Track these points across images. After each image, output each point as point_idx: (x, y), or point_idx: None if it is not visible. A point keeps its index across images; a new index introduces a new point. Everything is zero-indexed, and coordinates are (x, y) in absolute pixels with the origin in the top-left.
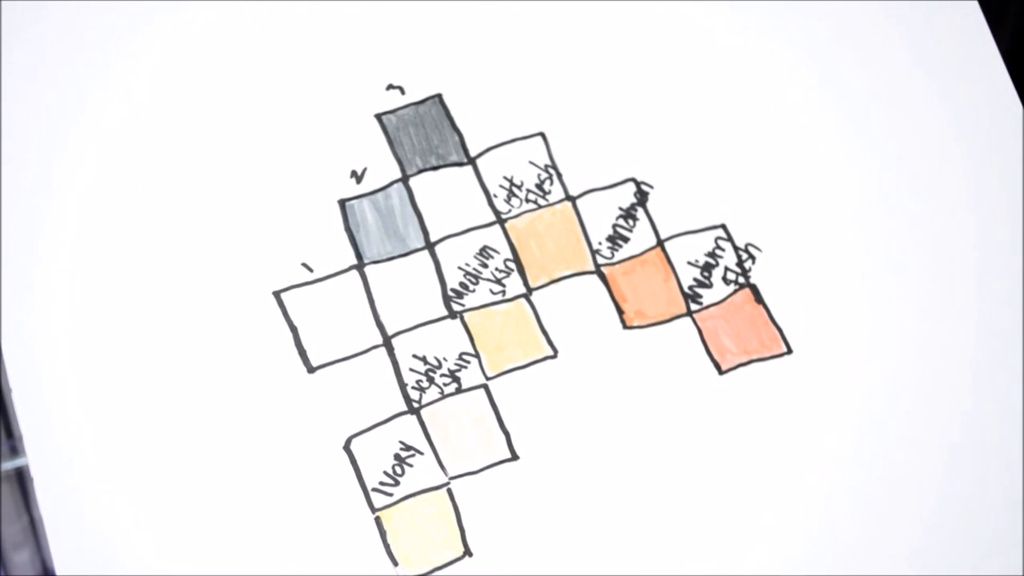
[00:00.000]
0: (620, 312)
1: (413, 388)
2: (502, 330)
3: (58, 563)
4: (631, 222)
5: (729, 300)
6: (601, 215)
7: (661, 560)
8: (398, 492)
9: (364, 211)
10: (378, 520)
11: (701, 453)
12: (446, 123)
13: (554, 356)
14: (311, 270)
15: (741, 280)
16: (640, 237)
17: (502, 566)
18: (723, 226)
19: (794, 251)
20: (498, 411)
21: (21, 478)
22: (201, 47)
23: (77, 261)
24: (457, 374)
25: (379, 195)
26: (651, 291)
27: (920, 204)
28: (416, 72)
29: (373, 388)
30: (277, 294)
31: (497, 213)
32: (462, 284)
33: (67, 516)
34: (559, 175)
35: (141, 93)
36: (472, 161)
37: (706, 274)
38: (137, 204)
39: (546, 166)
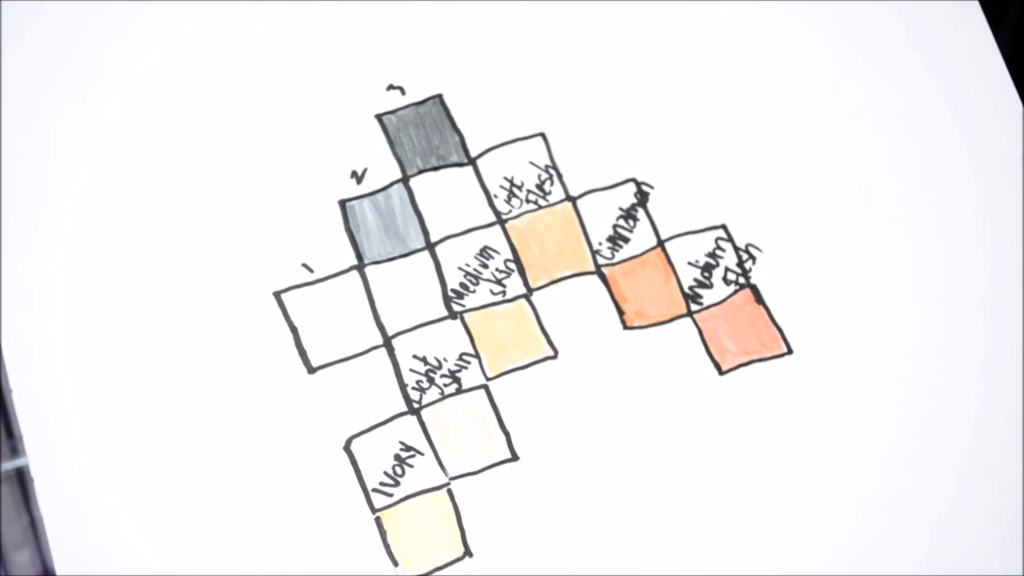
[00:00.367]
0: (620, 312)
1: (413, 388)
2: (502, 330)
3: (58, 563)
4: (631, 222)
5: (729, 300)
6: (601, 215)
7: (661, 561)
8: (398, 492)
9: (364, 211)
10: (378, 520)
11: (701, 454)
12: (446, 123)
13: (554, 356)
14: (311, 270)
15: (741, 280)
16: (640, 237)
17: (502, 566)
18: (723, 226)
19: (794, 251)
20: (498, 411)
21: (21, 478)
22: (201, 47)
23: (77, 261)
24: (457, 374)
25: (379, 195)
26: (651, 291)
27: (920, 204)
28: (416, 72)
29: (373, 389)
30: (277, 295)
31: (497, 213)
32: (462, 284)
33: (67, 516)
34: (559, 175)
35: (141, 93)
36: (472, 161)
37: (706, 274)
38: (137, 204)
39: (546, 166)
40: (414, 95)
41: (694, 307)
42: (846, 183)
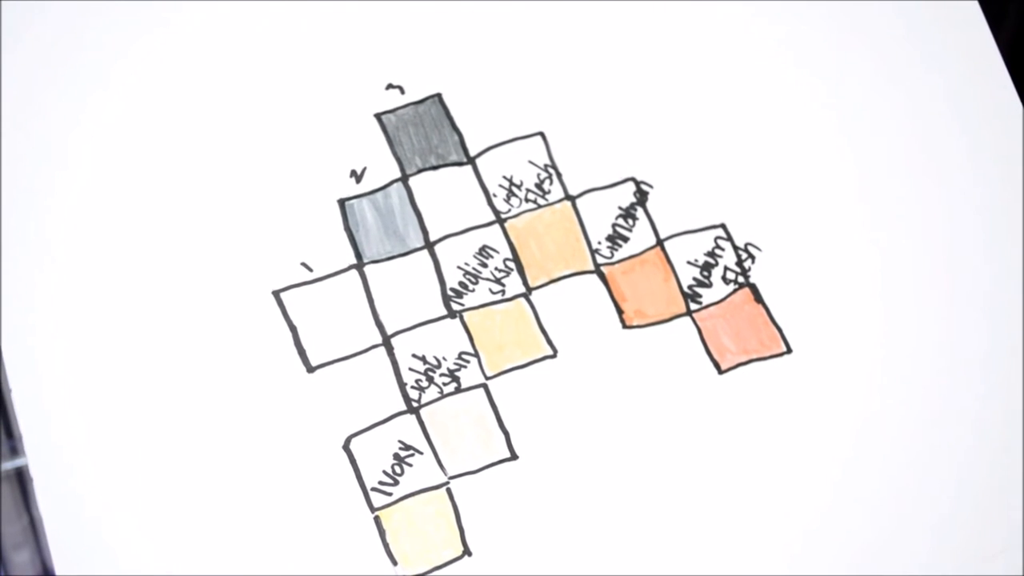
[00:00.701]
0: (619, 312)
1: (412, 388)
2: (501, 330)
3: (58, 563)
4: (631, 221)
5: (729, 299)
6: (601, 215)
7: (661, 560)
8: (397, 491)
9: (364, 211)
10: (377, 519)
11: (700, 452)
12: (446, 123)
13: (553, 356)
14: (311, 269)
15: (741, 280)
16: (640, 236)
17: (502, 566)
18: (723, 226)
19: (794, 251)
20: (497, 411)
21: (21, 478)
22: (201, 47)
23: (77, 261)
24: (456, 373)
25: (379, 195)
26: (651, 290)
27: (920, 204)
28: (416, 72)
29: (372, 388)
30: (277, 294)
31: (497, 213)
32: (461, 284)
33: (67, 516)
34: (559, 175)
35: (141, 93)
36: (472, 161)
37: (706, 273)
38: (137, 204)
39: (546, 166)
40: (413, 94)
41: (693, 306)
42: (846, 183)
